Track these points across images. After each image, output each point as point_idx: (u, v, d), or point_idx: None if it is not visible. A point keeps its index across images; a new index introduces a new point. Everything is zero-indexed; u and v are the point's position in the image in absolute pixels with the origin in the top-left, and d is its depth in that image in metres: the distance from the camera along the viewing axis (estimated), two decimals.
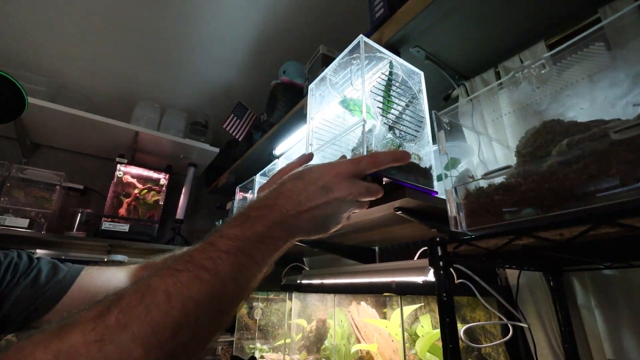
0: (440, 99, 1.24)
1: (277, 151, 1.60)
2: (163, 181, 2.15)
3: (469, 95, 1.14)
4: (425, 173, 0.73)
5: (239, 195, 1.82)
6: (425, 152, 0.78)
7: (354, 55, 0.83)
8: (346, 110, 0.90)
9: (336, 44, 1.58)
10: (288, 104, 1.54)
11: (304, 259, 1.78)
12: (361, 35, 0.77)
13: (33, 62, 1.88)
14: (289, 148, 1.57)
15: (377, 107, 0.76)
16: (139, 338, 0.26)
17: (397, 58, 0.85)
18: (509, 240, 0.46)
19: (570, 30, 0.95)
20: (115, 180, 2.02)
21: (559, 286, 0.81)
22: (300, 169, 0.49)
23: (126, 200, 2.04)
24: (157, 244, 1.95)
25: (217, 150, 2.13)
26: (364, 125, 0.68)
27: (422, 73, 0.88)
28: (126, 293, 0.29)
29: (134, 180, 2.09)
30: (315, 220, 0.44)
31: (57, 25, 1.68)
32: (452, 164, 0.70)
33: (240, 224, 0.38)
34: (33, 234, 1.63)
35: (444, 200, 0.60)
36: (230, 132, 1.80)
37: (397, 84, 0.81)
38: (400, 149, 0.73)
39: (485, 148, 1.05)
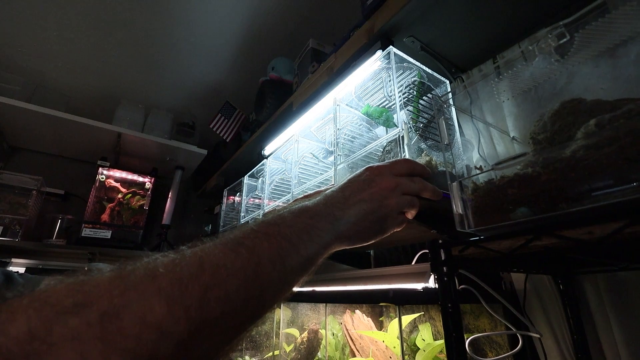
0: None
1: (266, 151, 1.53)
2: (148, 185, 2.05)
3: (465, 88, 1.08)
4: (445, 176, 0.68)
5: (228, 199, 1.74)
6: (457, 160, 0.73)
7: (383, 66, 0.79)
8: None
9: (326, 37, 1.52)
10: (277, 102, 1.47)
11: None
12: (391, 46, 0.77)
13: (9, 60, 1.78)
14: (278, 147, 1.49)
15: (409, 117, 0.72)
16: (164, 292, 0.24)
17: (425, 67, 0.82)
18: (526, 241, 0.39)
19: (574, 17, 0.89)
20: (97, 184, 1.92)
21: (570, 290, 0.75)
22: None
23: (109, 206, 1.95)
24: (141, 250, 1.85)
25: (204, 152, 2.05)
26: (399, 137, 0.62)
27: (448, 82, 0.86)
28: (159, 255, 0.28)
29: (118, 185, 1.99)
30: (364, 216, 0.43)
31: (34, 22, 1.59)
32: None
33: (282, 215, 0.38)
34: (7, 242, 1.53)
35: (444, 199, 0.53)
36: (218, 132, 1.73)
37: (426, 97, 0.78)
38: (433, 158, 0.68)
39: (485, 143, 0.99)
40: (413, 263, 0.84)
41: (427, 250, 0.87)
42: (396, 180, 0.47)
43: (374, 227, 0.45)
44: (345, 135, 0.90)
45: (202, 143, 2.14)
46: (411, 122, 0.77)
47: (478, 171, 0.44)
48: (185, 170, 2.23)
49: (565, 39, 0.38)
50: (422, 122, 0.78)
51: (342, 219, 0.42)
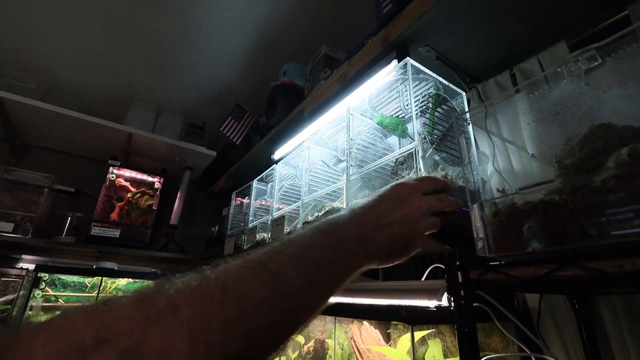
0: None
1: (276, 155, 1.53)
2: (157, 185, 2.07)
3: (481, 99, 1.06)
4: (472, 197, 0.67)
5: (235, 201, 1.74)
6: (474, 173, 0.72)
7: (399, 77, 0.78)
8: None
9: (339, 43, 1.51)
10: (288, 107, 1.47)
11: None
12: (408, 57, 0.76)
13: (24, 59, 1.81)
14: (288, 152, 1.49)
15: (424, 129, 0.71)
16: (186, 326, 0.23)
17: (441, 79, 0.81)
18: (550, 270, 0.38)
19: (594, 29, 0.87)
20: (107, 183, 1.94)
21: (586, 311, 0.73)
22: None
23: (118, 205, 1.96)
24: (148, 250, 1.86)
25: (214, 153, 2.06)
26: (415, 150, 0.62)
27: (464, 94, 0.84)
28: (180, 279, 0.27)
29: (127, 184, 2.01)
30: (394, 238, 0.42)
31: (49, 23, 1.61)
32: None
33: (310, 235, 0.37)
34: (18, 239, 1.55)
35: (461, 214, 0.52)
36: (228, 135, 1.73)
37: (441, 109, 0.76)
38: (449, 172, 0.67)
39: (500, 156, 0.97)
40: (424, 278, 0.82)
41: (439, 265, 0.86)
42: (426, 202, 0.46)
43: (401, 249, 0.44)
44: (358, 145, 0.89)
45: (211, 144, 2.14)
46: (427, 134, 0.76)
47: (500, 194, 0.43)
48: (194, 171, 2.24)
49: (596, 63, 0.37)
50: (437, 135, 0.77)
51: (373, 241, 0.41)
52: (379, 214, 0.43)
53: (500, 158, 0.97)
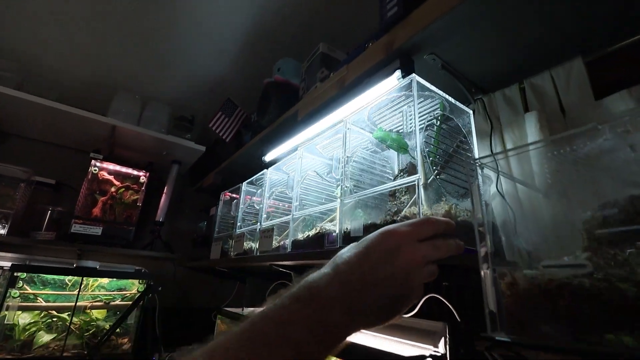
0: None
1: (267, 157, 1.45)
2: (143, 179, 1.98)
3: (486, 111, 1.00)
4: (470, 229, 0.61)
5: (225, 196, 1.66)
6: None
7: (402, 93, 0.71)
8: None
9: (338, 40, 1.42)
10: (281, 106, 1.38)
11: (292, 273, 1.64)
12: (414, 74, 0.67)
13: (0, 44, 1.68)
14: (280, 155, 1.41)
15: (427, 149, 0.64)
16: None
17: (447, 96, 0.73)
18: None
19: (614, 47, 0.81)
20: (89, 176, 1.84)
21: None
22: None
23: (102, 199, 1.88)
24: (132, 249, 1.79)
25: (203, 148, 1.97)
26: (418, 184, 0.55)
27: (471, 112, 0.78)
28: None
29: (111, 177, 1.92)
30: (383, 299, 0.37)
31: (27, 6, 1.48)
32: None
33: (290, 305, 0.34)
34: None
35: (465, 254, 0.47)
36: (217, 132, 1.64)
37: (446, 126, 0.69)
38: (453, 206, 0.61)
39: (504, 178, 0.91)
40: (417, 309, 0.78)
41: (434, 295, 0.81)
42: (421, 252, 0.40)
43: (392, 310, 0.39)
44: (354, 161, 0.83)
45: (201, 137, 2.05)
46: (430, 154, 0.70)
47: (520, 264, 0.37)
48: (182, 165, 2.15)
49: None
50: (440, 156, 0.71)
51: (358, 305, 0.36)
52: (366, 269, 0.38)
53: (505, 180, 0.91)
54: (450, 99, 0.76)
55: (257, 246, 1.14)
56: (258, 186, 1.37)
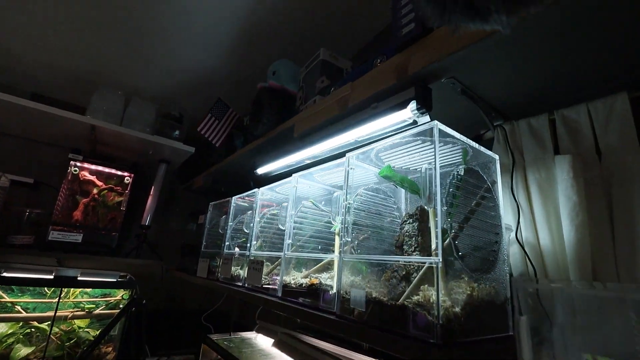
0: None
1: (259, 170, 1.33)
2: (127, 180, 1.85)
3: (507, 142, 0.88)
4: (503, 310, 0.52)
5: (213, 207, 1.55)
6: (501, 276, 0.56)
7: (419, 138, 0.59)
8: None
9: (341, 43, 1.28)
10: (275, 116, 1.25)
11: None
12: (436, 121, 0.58)
13: None
14: (274, 169, 1.29)
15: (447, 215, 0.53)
16: None
17: (471, 142, 0.61)
18: None
19: None
20: (69, 177, 1.71)
21: None
22: None
23: (83, 201, 1.75)
24: (116, 257, 1.69)
25: (192, 149, 1.83)
26: (437, 268, 0.44)
27: (497, 159, 0.66)
28: None
29: (93, 178, 1.79)
30: None
31: None
32: None
33: None
34: None
35: None
36: (207, 136, 1.51)
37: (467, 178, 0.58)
38: (475, 287, 0.50)
39: (525, 224, 0.81)
40: None
41: None
42: None
43: None
44: (356, 207, 0.71)
45: (190, 136, 1.91)
46: (450, 218, 0.59)
47: None
48: (171, 164, 2.02)
49: None
50: (460, 221, 0.60)
51: None
52: None
53: (525, 227, 0.81)
54: (474, 144, 0.64)
55: (245, 276, 1.04)
56: (249, 202, 1.26)
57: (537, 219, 0.79)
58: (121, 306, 1.73)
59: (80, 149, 1.76)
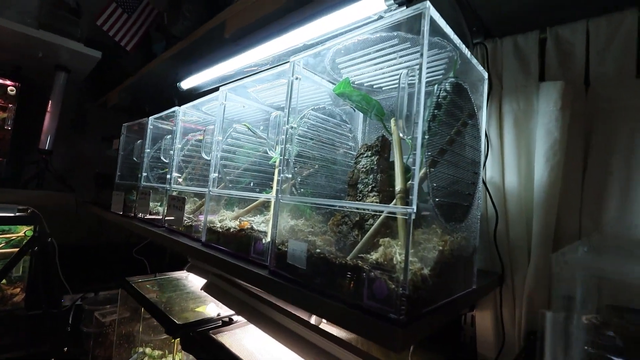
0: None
1: (184, 84, 1.06)
2: (12, 91, 1.43)
3: (486, 62, 0.73)
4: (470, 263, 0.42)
5: (128, 129, 1.27)
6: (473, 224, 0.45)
7: (395, 33, 0.38)
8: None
9: None
10: (201, 9, 0.95)
11: None
12: (428, 2, 0.37)
13: None
14: (203, 85, 1.03)
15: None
16: None
17: (465, 50, 0.42)
18: None
19: None
20: None
21: None
22: None
23: None
24: (7, 188, 1.36)
25: (98, 54, 1.42)
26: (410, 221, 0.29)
27: (486, 76, 0.49)
28: None
29: None
30: None
31: None
32: None
33: None
34: None
35: None
36: (112, 35, 1.15)
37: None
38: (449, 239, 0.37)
39: (492, 160, 0.70)
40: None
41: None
42: None
43: None
44: (301, 133, 0.54)
45: (97, 40, 1.48)
46: (426, 136, 0.44)
47: None
48: (72, 73, 1.59)
49: None
50: (435, 154, 0.46)
51: None
52: None
53: (492, 165, 0.71)
54: (466, 52, 0.47)
55: (166, 213, 0.86)
56: (169, 124, 1.01)
57: (506, 157, 0.69)
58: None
59: None
